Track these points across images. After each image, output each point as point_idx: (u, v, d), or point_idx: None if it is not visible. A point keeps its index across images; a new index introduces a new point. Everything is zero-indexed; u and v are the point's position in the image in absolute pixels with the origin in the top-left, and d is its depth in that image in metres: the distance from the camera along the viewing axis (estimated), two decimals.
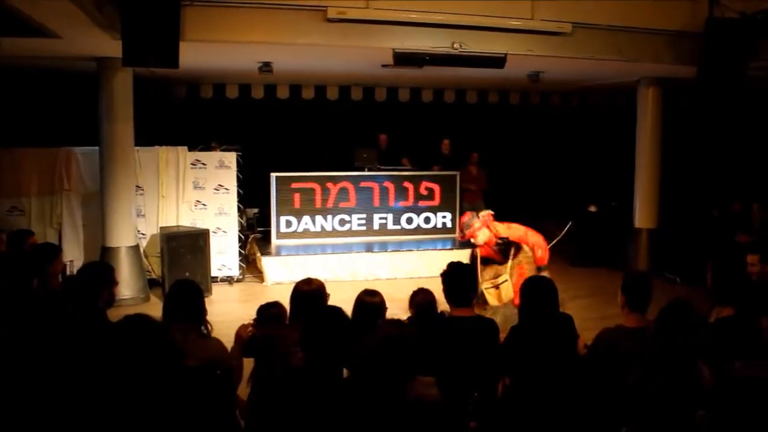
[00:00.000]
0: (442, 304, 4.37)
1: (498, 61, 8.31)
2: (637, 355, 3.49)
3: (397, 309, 4.49)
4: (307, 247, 10.92)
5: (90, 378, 2.82)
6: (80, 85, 10.08)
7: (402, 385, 3.07)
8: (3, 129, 9.90)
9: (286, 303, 4.20)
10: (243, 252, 10.36)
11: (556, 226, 11.15)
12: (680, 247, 10.32)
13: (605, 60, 8.79)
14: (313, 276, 4.55)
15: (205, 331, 3.86)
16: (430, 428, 3.06)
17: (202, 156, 10.01)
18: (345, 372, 3.31)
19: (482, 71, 9.30)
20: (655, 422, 3.14)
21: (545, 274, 6.17)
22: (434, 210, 11.81)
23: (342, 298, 3.97)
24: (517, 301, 5.05)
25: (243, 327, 4.11)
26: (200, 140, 10.20)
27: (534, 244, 6.85)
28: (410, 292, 4.53)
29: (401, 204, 11.62)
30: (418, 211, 11.73)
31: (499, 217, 7.33)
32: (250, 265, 10.75)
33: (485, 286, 7.11)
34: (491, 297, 6.99)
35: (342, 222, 11.33)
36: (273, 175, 10.92)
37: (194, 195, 9.95)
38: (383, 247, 11.09)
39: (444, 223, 11.87)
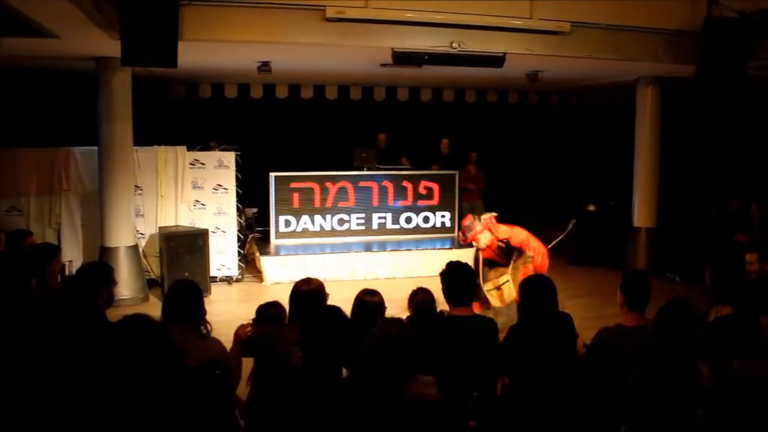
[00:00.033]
0: (442, 304, 4.37)
1: (497, 61, 8.31)
2: (636, 354, 3.49)
3: (397, 308, 4.49)
4: (306, 246, 10.92)
5: (89, 378, 2.82)
6: (79, 85, 10.08)
7: (401, 384, 3.07)
8: (2, 129, 9.90)
9: (285, 303, 4.20)
10: (242, 252, 10.36)
11: (556, 225, 11.20)
12: (679, 247, 10.33)
13: (604, 59, 8.79)
14: (312, 276, 4.55)
15: (205, 331, 3.86)
16: (430, 427, 3.06)
17: (201, 156, 10.01)
18: (344, 372, 3.31)
19: (481, 70, 9.31)
20: (654, 421, 3.14)
21: None
22: (433, 209, 11.82)
23: (341, 298, 3.97)
24: None
25: (242, 327, 4.10)
26: (199, 140, 10.20)
27: (535, 249, 6.86)
28: (409, 292, 4.53)
29: (400, 203, 11.62)
30: (417, 211, 11.73)
31: (499, 217, 7.34)
32: (249, 265, 10.74)
33: (487, 287, 7.13)
34: (493, 298, 7.00)
35: (341, 221, 11.33)
36: (272, 174, 10.92)
37: (193, 195, 9.95)
38: (382, 246, 11.09)
39: (443, 223, 11.87)
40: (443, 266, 4.34)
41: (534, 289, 4.10)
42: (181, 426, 2.67)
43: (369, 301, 4.23)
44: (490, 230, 7.19)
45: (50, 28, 6.59)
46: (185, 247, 9.06)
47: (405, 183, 11.64)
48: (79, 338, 3.25)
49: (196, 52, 8.10)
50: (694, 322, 3.45)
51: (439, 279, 4.28)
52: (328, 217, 11.26)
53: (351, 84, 12.89)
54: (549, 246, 7.71)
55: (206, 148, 10.18)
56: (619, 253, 10.99)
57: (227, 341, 4.00)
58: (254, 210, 11.38)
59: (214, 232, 9.81)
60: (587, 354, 4.04)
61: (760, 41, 8.16)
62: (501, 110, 14.05)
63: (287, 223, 11.08)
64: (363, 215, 11.44)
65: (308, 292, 4.10)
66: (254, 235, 11.28)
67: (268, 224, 11.17)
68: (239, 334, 4.06)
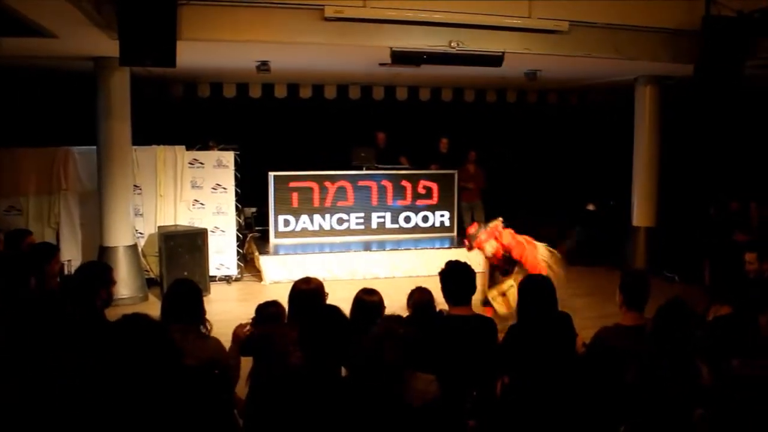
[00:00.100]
0: (441, 303, 4.37)
1: (495, 60, 8.31)
2: (635, 353, 3.49)
3: (396, 308, 4.48)
4: (306, 246, 10.92)
5: (88, 378, 2.81)
6: (78, 85, 10.07)
7: (401, 381, 3.08)
8: (1, 129, 9.89)
9: (284, 302, 4.19)
10: (241, 251, 10.36)
11: (555, 225, 11.20)
12: (678, 246, 10.34)
13: (602, 58, 8.79)
14: (311, 275, 4.55)
15: (205, 331, 3.86)
16: (430, 426, 3.07)
17: (200, 155, 10.01)
18: (343, 371, 3.31)
19: (480, 70, 9.30)
20: (653, 420, 3.14)
21: None
22: (432, 209, 11.83)
23: (340, 297, 3.97)
24: None
25: (240, 326, 4.10)
26: (198, 139, 10.20)
27: (531, 267, 6.85)
28: (408, 291, 4.53)
29: (399, 203, 11.63)
30: (417, 210, 11.74)
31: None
32: (248, 264, 10.75)
33: (491, 294, 7.15)
34: (499, 305, 7.01)
35: (340, 221, 11.34)
36: (271, 174, 10.92)
37: (192, 194, 9.95)
38: (381, 245, 11.10)
39: (442, 222, 11.89)
40: (442, 265, 4.34)
41: (533, 289, 4.10)
42: (180, 425, 2.67)
43: (368, 300, 4.23)
44: (495, 238, 7.23)
45: (49, 28, 6.59)
46: (184, 247, 9.06)
47: (404, 182, 11.65)
48: (78, 338, 3.25)
49: (195, 52, 8.10)
50: (693, 321, 3.46)
51: (438, 278, 4.28)
52: (327, 216, 11.27)
53: (350, 83, 12.88)
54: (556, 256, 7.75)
55: (205, 147, 10.18)
56: (618, 252, 11.00)
57: (226, 340, 4.00)
58: (253, 209, 11.39)
59: (213, 232, 9.81)
60: (586, 353, 4.05)
61: (759, 40, 8.17)
62: (500, 109, 14.04)
63: (286, 223, 11.09)
64: (362, 215, 11.45)
65: (307, 291, 4.10)
66: (253, 235, 11.28)
67: (267, 223, 11.17)
68: (237, 334, 4.06)
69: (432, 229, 11.82)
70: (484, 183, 12.48)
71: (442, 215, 11.88)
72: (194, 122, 11.59)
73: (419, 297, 4.43)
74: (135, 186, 9.42)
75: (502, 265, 7.34)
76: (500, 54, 8.26)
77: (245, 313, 4.43)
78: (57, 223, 9.43)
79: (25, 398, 2.73)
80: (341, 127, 12.81)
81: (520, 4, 8.13)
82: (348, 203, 11.36)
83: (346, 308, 3.54)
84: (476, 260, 7.39)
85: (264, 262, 10.19)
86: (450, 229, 11.91)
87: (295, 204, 11.09)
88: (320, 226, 11.25)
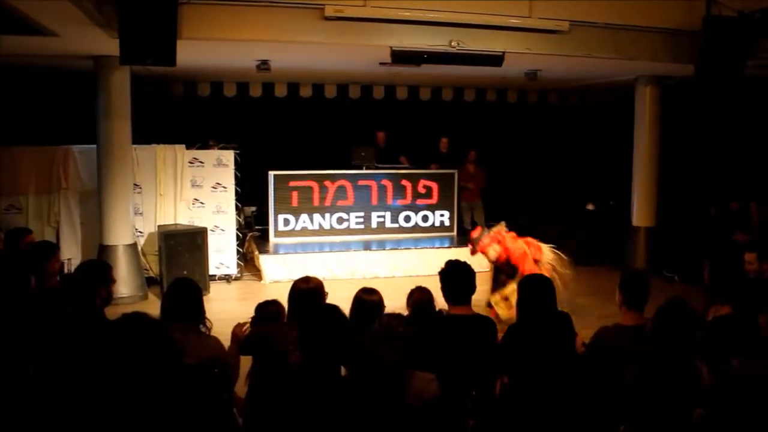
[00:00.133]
0: (441, 303, 4.36)
1: (496, 60, 8.31)
2: (634, 353, 3.49)
3: (396, 307, 4.48)
4: (305, 245, 10.92)
5: (88, 376, 2.81)
6: (78, 84, 10.07)
7: (401, 381, 3.08)
8: (1, 127, 9.89)
9: (284, 301, 4.19)
10: (241, 250, 10.36)
11: (555, 224, 11.19)
12: (678, 246, 10.34)
13: (603, 58, 8.79)
14: (311, 274, 4.55)
15: (205, 330, 3.86)
16: (429, 425, 3.07)
17: (200, 154, 10.01)
18: (342, 370, 3.31)
19: (480, 69, 9.30)
20: (653, 420, 3.14)
21: None
22: (432, 208, 11.83)
23: (340, 297, 3.97)
24: None
25: (238, 326, 4.11)
26: (198, 138, 10.20)
27: (529, 271, 6.86)
28: (408, 291, 4.53)
29: (399, 202, 11.63)
30: (416, 210, 11.74)
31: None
32: (248, 264, 10.75)
33: (494, 299, 7.16)
34: (501, 309, 7.03)
35: (340, 220, 11.34)
36: (271, 173, 10.92)
37: (192, 193, 9.95)
38: (381, 245, 11.10)
39: (442, 222, 11.88)
40: (442, 265, 4.34)
41: (532, 289, 4.10)
42: (179, 424, 2.67)
43: (368, 299, 4.23)
44: (499, 242, 7.26)
45: (50, 26, 6.59)
46: (184, 246, 9.06)
47: (404, 182, 11.64)
48: (78, 337, 3.25)
49: (195, 51, 8.10)
50: (692, 321, 3.45)
51: (438, 278, 4.28)
52: (327, 215, 11.27)
53: (350, 83, 12.88)
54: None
55: (205, 146, 10.18)
56: (618, 252, 11.01)
57: (226, 340, 4.00)
58: (253, 208, 11.39)
59: (213, 231, 9.81)
60: (586, 353, 4.04)
61: (760, 40, 8.16)
62: (500, 109, 14.04)
63: (286, 222, 11.09)
64: (362, 214, 11.45)
65: (307, 290, 4.10)
66: (253, 234, 11.28)
67: (267, 223, 11.18)
68: (236, 333, 4.06)
69: (432, 228, 11.82)
70: (484, 183, 12.48)
71: (442, 215, 11.88)
72: (194, 121, 11.59)
73: (419, 296, 4.43)
74: (135, 185, 9.42)
75: (506, 269, 7.36)
76: (501, 54, 8.26)
77: (245, 312, 4.42)
78: (57, 222, 9.43)
79: (25, 398, 2.73)
80: (341, 127, 12.82)
81: (521, 4, 8.12)
82: (348, 202, 11.36)
83: (345, 308, 3.54)
84: (476, 260, 7.41)
85: (264, 261, 10.19)
86: (450, 228, 11.91)
87: (295, 203, 11.09)
88: (320, 225, 11.25)
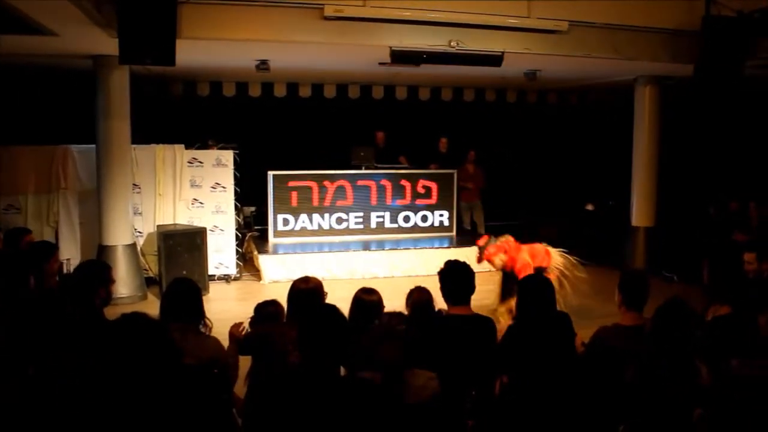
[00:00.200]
0: (440, 303, 4.36)
1: (495, 60, 8.32)
2: (634, 353, 3.49)
3: (395, 307, 4.48)
4: (305, 245, 10.92)
5: (87, 377, 2.81)
6: (77, 83, 10.06)
7: (400, 380, 3.08)
8: (0, 127, 9.88)
9: (283, 301, 4.19)
10: (240, 250, 10.35)
11: (555, 224, 11.18)
12: (677, 246, 10.33)
13: (602, 58, 8.80)
14: (310, 274, 4.55)
15: (204, 330, 3.85)
16: (429, 423, 3.07)
17: (199, 154, 10.00)
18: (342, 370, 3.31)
19: (479, 69, 9.30)
20: (652, 420, 3.14)
21: None
22: (431, 208, 11.83)
23: (339, 297, 3.97)
24: None
25: (235, 326, 4.11)
26: (197, 138, 10.19)
27: None
28: (407, 291, 4.53)
29: (398, 202, 11.62)
30: (416, 210, 11.73)
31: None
32: (247, 264, 10.74)
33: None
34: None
35: (339, 220, 11.33)
36: (270, 173, 10.92)
37: (191, 193, 9.94)
38: (380, 245, 11.09)
39: (441, 222, 11.88)
40: (441, 265, 4.34)
41: (532, 289, 4.10)
42: (179, 424, 2.67)
43: (367, 299, 4.23)
44: (505, 251, 7.29)
45: (49, 26, 6.59)
46: (183, 246, 9.06)
47: (403, 182, 11.64)
48: (77, 337, 3.24)
49: (195, 51, 8.10)
50: (692, 321, 3.45)
51: (437, 278, 4.28)
52: (327, 215, 11.27)
53: (349, 83, 12.88)
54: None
55: (204, 146, 10.17)
56: (617, 252, 10.99)
57: (225, 339, 4.00)
58: (252, 208, 11.38)
59: (212, 231, 9.81)
60: (585, 353, 4.04)
61: (759, 40, 8.17)
62: (499, 109, 14.04)
63: (285, 222, 11.09)
64: (361, 214, 11.45)
65: (306, 290, 4.10)
66: (252, 234, 11.27)
67: (266, 223, 11.17)
68: (233, 333, 4.07)
69: (431, 228, 11.82)
70: (484, 183, 12.49)
71: (441, 215, 11.88)
72: (193, 121, 11.59)
73: (418, 296, 4.43)
74: (134, 185, 9.42)
75: (513, 278, 7.38)
76: (500, 54, 8.26)
77: (244, 312, 4.42)
78: (56, 222, 9.42)
79: (24, 398, 2.73)
80: (341, 127, 12.82)
81: (520, 4, 8.13)
82: (347, 203, 11.36)
83: (345, 308, 3.54)
84: (475, 260, 7.42)
85: (263, 261, 10.19)
86: (449, 228, 11.91)
87: (295, 203, 11.09)
88: (319, 225, 11.25)
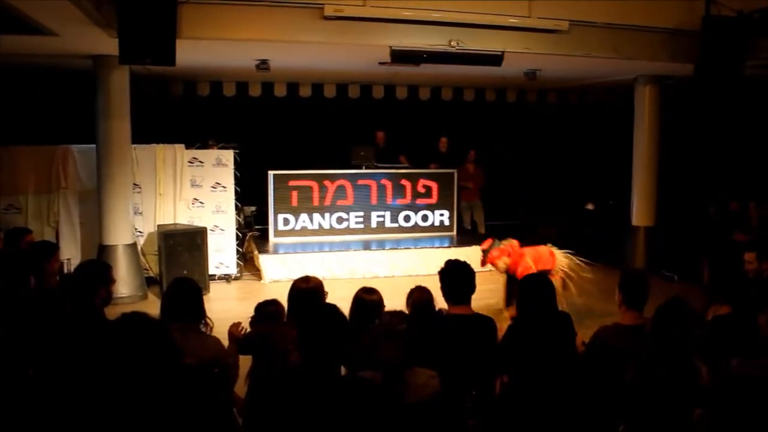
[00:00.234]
0: (441, 302, 4.36)
1: (495, 59, 8.32)
2: (634, 352, 3.49)
3: (395, 307, 4.48)
4: (305, 244, 10.92)
5: (87, 376, 2.81)
6: (77, 83, 10.06)
7: (401, 380, 3.08)
8: (0, 127, 9.88)
9: (283, 301, 4.19)
10: (240, 250, 10.36)
11: (555, 224, 11.18)
12: (677, 245, 10.34)
13: (602, 58, 8.80)
14: (310, 274, 4.55)
15: (205, 329, 3.86)
16: (430, 422, 3.07)
17: (200, 154, 10.00)
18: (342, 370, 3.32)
19: (479, 69, 9.30)
20: (652, 419, 3.14)
21: None
22: (432, 208, 11.82)
23: (340, 296, 3.97)
24: None
25: (234, 325, 4.11)
26: (197, 138, 10.19)
27: None
28: (408, 290, 4.53)
29: (399, 202, 11.62)
30: (416, 209, 11.73)
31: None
32: (247, 263, 10.74)
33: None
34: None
35: (340, 220, 11.33)
36: (270, 173, 10.92)
37: (191, 193, 9.94)
38: (381, 244, 11.09)
39: (441, 221, 11.88)
40: (442, 264, 4.34)
41: (532, 288, 4.10)
42: (179, 424, 2.67)
43: (368, 299, 4.23)
44: (509, 255, 7.30)
45: (49, 26, 6.59)
46: (184, 246, 9.06)
47: (403, 181, 11.64)
48: (77, 336, 3.25)
49: (195, 50, 8.10)
50: (691, 320, 3.45)
51: (437, 277, 4.28)
52: (327, 215, 11.27)
53: (349, 82, 12.88)
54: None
55: (205, 146, 10.18)
56: (617, 251, 10.99)
57: (225, 339, 4.00)
58: (253, 208, 11.38)
59: (212, 231, 9.81)
60: (585, 352, 4.05)
61: (759, 40, 8.17)
62: (499, 109, 14.04)
63: (286, 222, 11.09)
64: (362, 213, 11.45)
65: (307, 290, 4.10)
66: (253, 234, 11.27)
67: (266, 222, 11.17)
68: (232, 333, 4.07)
69: (431, 228, 11.82)
70: (484, 182, 12.49)
71: (441, 214, 11.87)
72: (194, 121, 11.59)
73: (418, 296, 4.42)
74: (134, 184, 9.42)
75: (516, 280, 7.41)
76: (500, 53, 8.26)
77: (245, 312, 4.42)
78: (56, 222, 9.42)
79: (24, 398, 2.73)
80: (341, 126, 12.82)
81: (520, 4, 8.13)
82: (347, 202, 11.36)
83: (345, 307, 3.54)
84: (476, 260, 7.42)
85: (263, 260, 10.19)
86: (449, 228, 11.91)
87: (295, 203, 11.09)
88: (320, 225, 11.25)
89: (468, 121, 13.53)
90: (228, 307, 8.28)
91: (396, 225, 11.63)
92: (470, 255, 7.51)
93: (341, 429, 2.90)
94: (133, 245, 9.23)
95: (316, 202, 11.18)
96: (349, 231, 11.37)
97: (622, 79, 10.98)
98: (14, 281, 4.30)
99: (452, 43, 8.03)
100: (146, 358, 2.71)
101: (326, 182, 11.22)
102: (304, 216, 11.15)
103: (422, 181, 11.73)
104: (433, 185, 11.78)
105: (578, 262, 7.85)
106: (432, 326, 4.08)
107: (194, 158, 9.94)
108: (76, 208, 9.51)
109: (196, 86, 12.31)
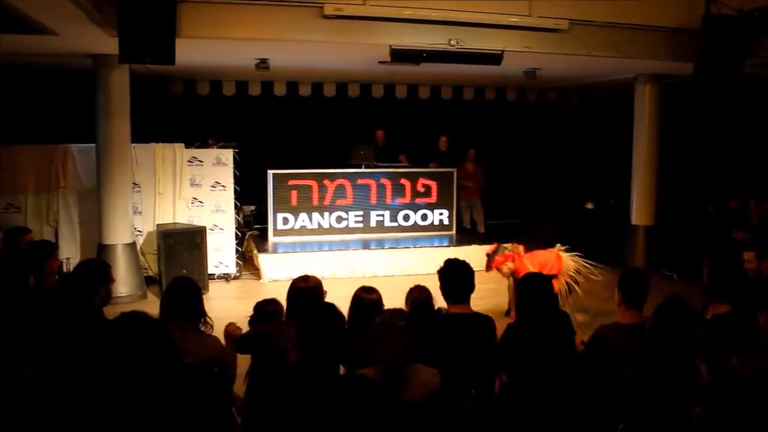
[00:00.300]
0: (440, 302, 4.36)
1: (495, 58, 8.31)
2: (633, 351, 3.49)
3: (395, 306, 4.48)
4: (304, 244, 10.92)
5: (87, 376, 2.81)
6: (77, 82, 10.06)
7: (400, 379, 3.08)
8: (0, 126, 9.90)
9: (283, 300, 4.19)
10: (240, 249, 10.35)
11: (555, 223, 11.18)
12: (677, 244, 10.34)
13: (602, 57, 8.79)
14: (310, 273, 4.54)
15: (205, 328, 3.85)
16: (430, 421, 3.07)
17: (199, 153, 10.00)
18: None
19: (479, 68, 9.29)
20: (652, 419, 3.14)
21: None
22: (431, 207, 11.82)
23: (339, 295, 3.97)
24: None
25: (230, 325, 4.11)
26: (197, 137, 10.19)
27: None
28: (407, 290, 4.53)
29: (398, 201, 11.62)
30: (416, 208, 11.73)
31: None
32: (247, 263, 10.74)
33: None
34: None
35: (339, 219, 11.33)
36: (270, 172, 10.92)
37: (191, 192, 9.94)
38: (380, 244, 11.09)
39: (441, 220, 11.88)
40: (441, 264, 4.34)
41: (532, 288, 4.10)
42: (178, 423, 2.67)
43: (367, 298, 4.23)
44: (513, 260, 7.32)
45: (48, 25, 6.59)
46: (183, 245, 9.06)
47: (403, 181, 11.64)
48: (76, 336, 3.24)
49: (194, 49, 8.09)
50: (691, 319, 3.45)
51: (437, 276, 4.28)
52: (326, 214, 11.27)
53: (349, 81, 12.87)
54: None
55: (204, 145, 10.17)
56: (617, 250, 10.99)
57: (223, 339, 4.00)
58: (252, 207, 11.37)
59: (212, 230, 9.81)
60: (585, 351, 4.05)
61: (759, 39, 8.17)
62: (499, 108, 14.04)
63: (285, 221, 11.08)
64: (361, 213, 11.45)
65: (306, 289, 4.09)
66: (252, 233, 11.26)
67: (266, 222, 11.17)
68: (229, 332, 4.07)
69: (431, 227, 11.82)
70: (484, 181, 12.48)
71: (441, 213, 11.87)
72: (193, 120, 11.59)
73: (418, 295, 4.42)
74: (134, 184, 9.42)
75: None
76: (500, 52, 8.26)
77: (244, 311, 4.42)
78: (56, 221, 9.42)
79: (24, 397, 2.73)
80: (340, 125, 12.82)
81: (520, 3, 8.13)
82: (347, 201, 11.35)
83: (344, 306, 3.54)
84: (476, 260, 7.42)
85: (263, 260, 10.19)
86: (449, 227, 11.91)
87: (294, 202, 11.08)
88: (319, 224, 11.25)
89: (468, 120, 13.53)
90: (227, 306, 8.29)
91: (395, 224, 11.63)
92: (469, 254, 7.51)
93: (341, 428, 2.90)
94: (133, 244, 9.23)
95: (315, 202, 11.18)
96: (348, 230, 11.36)
97: (622, 78, 10.97)
98: (13, 280, 4.30)
99: (452, 42, 8.02)
100: (146, 357, 2.70)
101: (326, 181, 11.22)
102: (303, 215, 11.14)
103: (422, 181, 11.73)
104: (433, 184, 11.78)
105: (586, 264, 7.85)
106: (431, 325, 4.07)
107: (194, 157, 9.94)
108: (76, 207, 9.51)
109: (196, 85, 12.31)
